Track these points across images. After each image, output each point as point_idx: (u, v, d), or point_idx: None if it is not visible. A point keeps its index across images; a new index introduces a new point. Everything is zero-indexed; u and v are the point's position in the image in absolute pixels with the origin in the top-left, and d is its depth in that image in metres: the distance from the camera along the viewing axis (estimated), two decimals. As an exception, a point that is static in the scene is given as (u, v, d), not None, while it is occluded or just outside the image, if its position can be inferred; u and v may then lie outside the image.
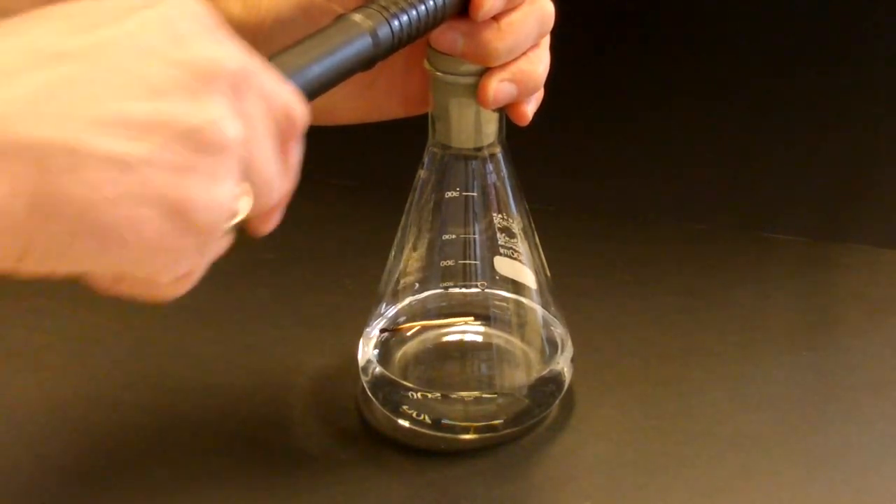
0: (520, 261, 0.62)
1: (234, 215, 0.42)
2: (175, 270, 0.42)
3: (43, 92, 0.38)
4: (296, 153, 0.45)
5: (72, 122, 0.38)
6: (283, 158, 0.44)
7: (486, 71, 0.55)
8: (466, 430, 0.61)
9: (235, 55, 0.42)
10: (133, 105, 0.39)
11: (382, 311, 0.64)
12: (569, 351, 0.64)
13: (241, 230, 0.44)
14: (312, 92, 0.46)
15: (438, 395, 0.61)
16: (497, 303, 0.63)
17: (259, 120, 0.42)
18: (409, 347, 0.64)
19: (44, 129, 0.38)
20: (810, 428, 0.63)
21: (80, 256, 0.40)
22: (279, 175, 0.44)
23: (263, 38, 0.53)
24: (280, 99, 0.43)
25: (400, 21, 0.49)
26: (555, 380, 0.63)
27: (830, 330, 0.70)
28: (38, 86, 0.38)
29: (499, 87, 0.54)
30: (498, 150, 0.59)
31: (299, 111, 0.44)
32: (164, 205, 0.40)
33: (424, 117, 0.59)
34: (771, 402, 0.65)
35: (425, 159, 0.60)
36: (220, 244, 0.43)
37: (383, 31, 0.49)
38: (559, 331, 0.64)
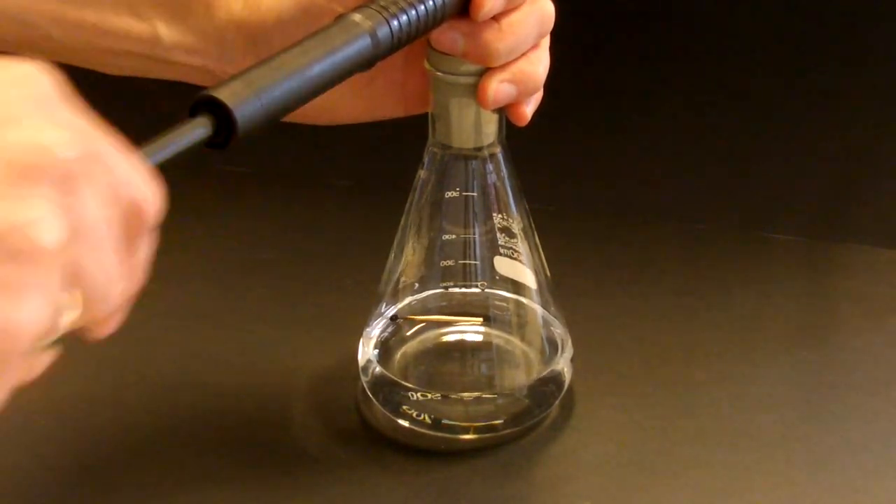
0: (520, 261, 0.62)
1: (51, 331, 0.36)
2: None
3: None
4: (144, 249, 0.39)
5: None
6: (126, 257, 0.38)
7: (485, 71, 0.55)
8: (466, 431, 0.61)
9: (74, 141, 0.35)
10: None
11: (382, 311, 0.64)
12: (569, 351, 0.64)
13: (72, 335, 0.39)
14: (312, 91, 0.46)
15: (438, 395, 0.61)
16: (497, 303, 0.63)
17: (96, 215, 0.36)
18: (409, 347, 0.64)
19: None
20: (810, 428, 0.63)
21: None
22: (118, 277, 0.38)
23: (264, 38, 0.53)
24: (129, 188, 0.37)
25: (399, 21, 0.49)
26: (555, 380, 0.63)
27: (830, 330, 0.70)
28: None
29: (499, 87, 0.54)
30: (498, 150, 0.59)
31: (151, 202, 0.38)
32: None
33: (424, 117, 0.58)
34: (771, 402, 0.65)
35: (425, 159, 0.60)
36: (35, 363, 0.37)
37: (383, 32, 0.49)
38: (559, 331, 0.64)
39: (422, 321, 0.64)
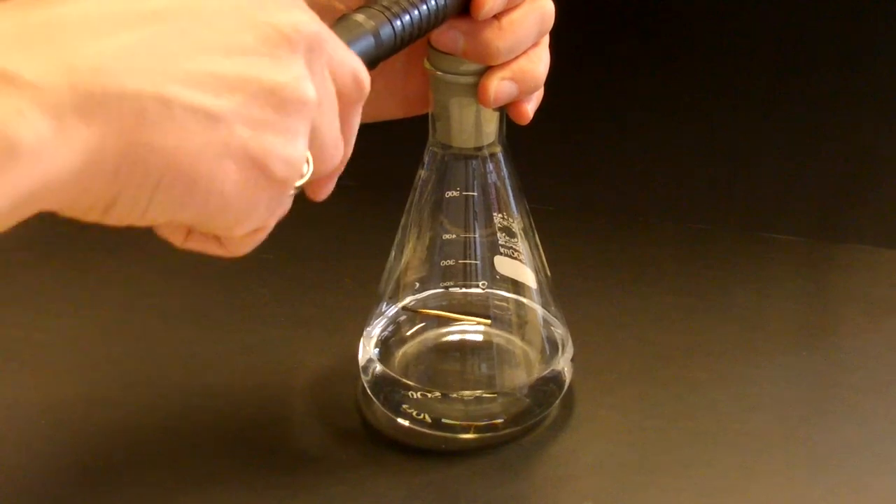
0: (520, 260, 0.62)
1: (301, 175, 0.44)
2: (250, 223, 0.44)
3: (134, 47, 0.40)
4: (356, 120, 0.47)
5: (163, 76, 0.40)
6: (344, 125, 0.46)
7: (486, 70, 0.55)
8: (467, 430, 0.61)
9: (311, 21, 0.43)
10: (220, 62, 0.41)
11: (382, 310, 0.64)
12: (569, 351, 0.64)
13: (302, 194, 0.46)
14: None
15: (438, 394, 0.61)
16: (497, 302, 0.63)
17: (328, 84, 0.44)
18: (410, 347, 0.64)
19: (136, 81, 0.39)
20: (810, 428, 0.63)
21: (164, 206, 0.41)
22: (339, 141, 0.46)
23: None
24: (348, 65, 0.45)
25: (402, 21, 0.49)
26: (555, 379, 0.63)
27: (830, 330, 0.70)
28: (129, 41, 0.40)
29: (499, 86, 0.54)
30: (498, 150, 0.59)
31: (364, 78, 0.46)
32: (246, 157, 0.42)
33: (424, 117, 0.59)
34: (771, 402, 0.65)
35: (425, 159, 0.60)
36: (287, 202, 0.45)
37: (385, 31, 0.49)
38: (559, 330, 0.64)
39: (433, 315, 0.64)
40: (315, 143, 0.44)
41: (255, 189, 0.43)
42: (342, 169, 0.48)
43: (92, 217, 0.42)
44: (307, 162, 0.44)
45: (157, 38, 0.40)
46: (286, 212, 0.46)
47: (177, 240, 0.45)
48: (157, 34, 0.40)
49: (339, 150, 0.46)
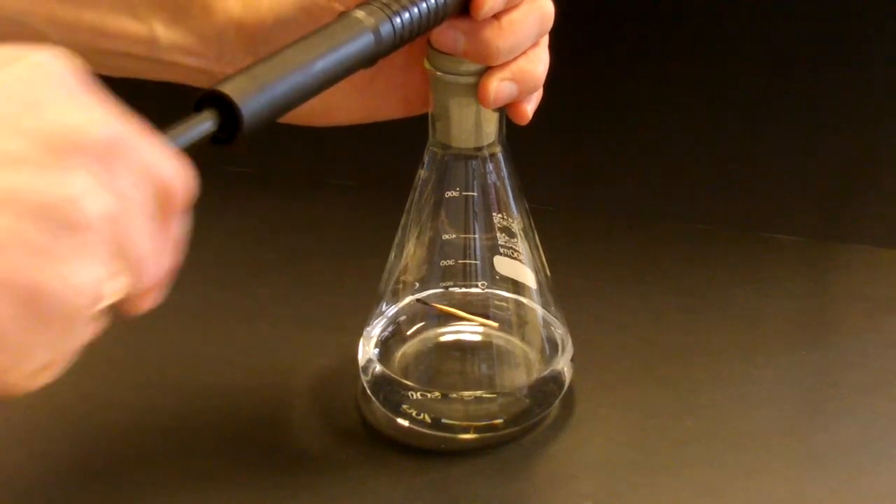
0: (520, 260, 0.62)
1: (100, 299, 0.38)
2: (29, 364, 0.38)
3: None
4: (179, 227, 0.41)
5: None
6: (163, 234, 0.40)
7: (486, 70, 0.55)
8: (466, 430, 0.61)
9: (104, 122, 0.37)
10: None
11: (382, 310, 0.64)
12: (569, 351, 0.64)
13: (117, 310, 0.40)
14: (316, 88, 0.47)
15: (438, 394, 0.61)
16: (497, 302, 0.63)
17: (133, 193, 0.38)
18: (409, 347, 0.64)
19: None
20: (810, 427, 0.63)
21: None
22: (158, 252, 0.40)
23: (264, 38, 0.53)
24: (160, 170, 0.39)
25: (402, 18, 0.50)
26: (555, 379, 0.63)
27: (830, 330, 0.70)
28: None
29: (499, 86, 0.54)
30: (498, 150, 0.59)
31: (182, 182, 0.40)
32: (13, 292, 0.36)
33: (424, 117, 0.59)
34: (771, 401, 0.65)
35: (425, 159, 0.60)
36: (88, 330, 0.38)
37: (385, 29, 0.49)
38: (559, 330, 0.64)
39: (445, 312, 0.64)
40: (125, 259, 0.38)
41: (30, 327, 0.36)
42: (169, 278, 0.41)
43: None
44: (110, 282, 0.38)
45: None
46: (92, 338, 0.39)
47: None
48: None
49: (159, 261, 0.40)
